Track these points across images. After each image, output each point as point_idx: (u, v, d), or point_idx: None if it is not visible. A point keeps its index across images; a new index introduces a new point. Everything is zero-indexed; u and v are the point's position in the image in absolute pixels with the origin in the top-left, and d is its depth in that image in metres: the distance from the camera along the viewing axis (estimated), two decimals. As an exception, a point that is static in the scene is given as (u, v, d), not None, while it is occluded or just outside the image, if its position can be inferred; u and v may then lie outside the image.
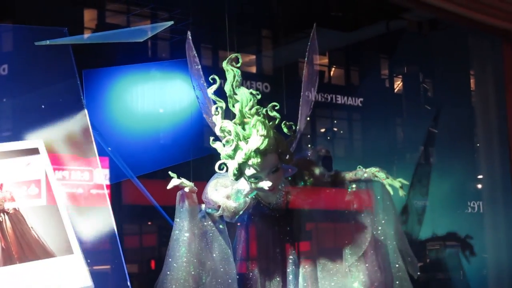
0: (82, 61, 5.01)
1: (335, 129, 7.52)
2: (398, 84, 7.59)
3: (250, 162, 4.50)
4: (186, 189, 4.58)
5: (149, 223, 5.88)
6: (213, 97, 4.67)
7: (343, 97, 7.01)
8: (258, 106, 4.55)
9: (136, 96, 5.65)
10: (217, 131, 4.60)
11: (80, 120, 4.86)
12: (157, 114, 5.73)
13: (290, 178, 4.85)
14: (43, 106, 4.77)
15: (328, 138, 7.32)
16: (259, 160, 4.46)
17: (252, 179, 4.56)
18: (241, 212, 4.81)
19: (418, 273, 4.99)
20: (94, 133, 4.87)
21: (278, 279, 4.95)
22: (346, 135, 7.48)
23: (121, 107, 5.53)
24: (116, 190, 5.11)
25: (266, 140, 4.45)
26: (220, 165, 4.64)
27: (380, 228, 4.93)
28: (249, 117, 4.54)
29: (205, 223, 4.82)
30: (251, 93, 4.57)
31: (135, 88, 5.64)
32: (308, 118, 4.90)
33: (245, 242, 5.07)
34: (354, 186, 5.01)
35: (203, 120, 4.92)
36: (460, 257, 6.92)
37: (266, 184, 4.55)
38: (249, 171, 4.53)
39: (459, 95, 7.46)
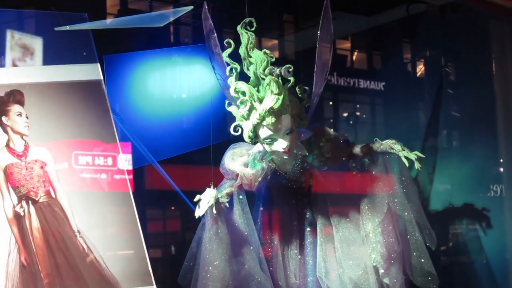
0: (103, 46, 5.04)
1: (358, 113, 7.49)
2: (420, 68, 7.57)
3: (264, 123, 4.47)
4: (214, 211, 4.57)
5: (172, 208, 5.86)
6: (227, 59, 4.64)
7: (365, 81, 6.94)
8: (272, 67, 4.52)
9: (157, 81, 5.62)
10: (232, 92, 4.57)
11: (100, 107, 4.93)
12: (178, 99, 5.73)
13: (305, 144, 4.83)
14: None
15: (351, 122, 7.32)
16: (273, 120, 4.43)
17: (267, 140, 4.53)
18: (259, 179, 4.77)
19: (436, 245, 4.93)
20: (115, 119, 4.93)
21: (296, 251, 4.96)
22: (369, 119, 7.47)
23: (142, 92, 5.53)
24: (138, 175, 5.10)
25: (280, 99, 4.41)
26: (235, 127, 4.61)
27: (396, 200, 4.88)
28: (263, 78, 4.51)
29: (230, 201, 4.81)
30: (264, 53, 4.56)
31: (156, 73, 5.62)
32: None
33: (264, 213, 5.07)
34: (367, 160, 5.00)
35: (224, 104, 4.82)
36: (481, 241, 6.86)
37: (280, 145, 4.52)
38: (264, 132, 4.50)
39: (480, 78, 7.42)
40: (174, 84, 5.66)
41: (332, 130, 4.93)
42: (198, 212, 4.52)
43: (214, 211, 4.48)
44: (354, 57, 7.49)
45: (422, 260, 4.84)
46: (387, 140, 4.88)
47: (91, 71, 4.96)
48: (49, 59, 4.96)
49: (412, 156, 4.75)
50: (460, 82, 7.35)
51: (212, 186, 4.56)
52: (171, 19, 5.01)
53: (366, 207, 4.91)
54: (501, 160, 7.30)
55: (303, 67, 5.24)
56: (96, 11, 5.32)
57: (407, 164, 4.79)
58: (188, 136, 5.56)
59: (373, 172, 4.97)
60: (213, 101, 5.26)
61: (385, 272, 4.77)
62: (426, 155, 5.78)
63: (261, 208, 5.01)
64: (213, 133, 5.09)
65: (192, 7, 4.83)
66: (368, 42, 7.48)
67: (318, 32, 4.79)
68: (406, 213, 4.85)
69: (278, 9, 6.37)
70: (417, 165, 4.73)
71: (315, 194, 4.95)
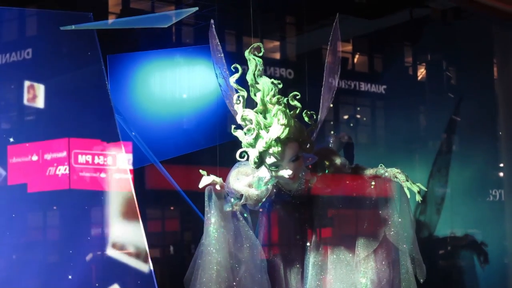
0: (107, 46, 5.05)
1: (358, 116, 7.54)
2: (421, 72, 7.63)
3: (270, 151, 4.45)
4: (218, 187, 4.59)
5: (171, 208, 5.89)
6: (235, 85, 4.62)
7: (366, 84, 7.03)
8: (280, 96, 4.47)
9: (160, 81, 5.64)
10: (239, 119, 4.54)
11: (104, 107, 4.97)
12: (181, 99, 5.73)
13: (310, 167, 4.80)
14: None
15: (351, 125, 7.37)
16: (279, 148, 4.42)
17: (273, 167, 4.51)
18: (263, 199, 4.75)
19: (425, 278, 4.91)
20: (118, 118, 4.98)
21: (298, 265, 4.96)
22: (369, 122, 7.52)
23: (145, 92, 5.54)
24: (140, 175, 5.16)
25: (287, 129, 4.40)
26: (241, 153, 4.58)
27: (393, 229, 4.86)
28: (271, 106, 4.48)
29: (234, 215, 4.82)
30: (272, 83, 4.52)
31: (159, 73, 5.63)
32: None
33: (267, 229, 5.06)
34: (373, 183, 4.93)
35: (227, 105, 4.84)
36: (480, 246, 6.88)
37: (286, 173, 4.50)
38: (270, 160, 4.49)
39: (482, 83, 7.44)
40: (176, 84, 5.68)
41: (332, 132, 4.95)
42: (202, 183, 4.58)
43: (218, 187, 4.55)
44: (355, 60, 7.56)
45: None
46: (392, 168, 4.86)
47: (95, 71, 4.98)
48: (53, 57, 5.00)
49: (415, 188, 4.74)
50: (461, 87, 7.36)
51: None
52: (175, 20, 5.04)
53: (363, 232, 4.92)
54: (501, 165, 7.31)
55: (304, 68, 5.25)
56: (99, 11, 5.40)
57: (409, 196, 4.79)
58: (191, 136, 5.59)
59: (374, 198, 4.97)
60: (216, 102, 5.21)
61: None
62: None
63: (264, 223, 5.06)
64: (214, 135, 5.22)
65: (197, 8, 4.88)
66: (370, 45, 7.52)
67: (326, 60, 4.84)
68: (400, 243, 4.88)
69: (282, 11, 6.36)
70: (418, 198, 4.74)
71: (317, 211, 4.96)
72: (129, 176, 4.88)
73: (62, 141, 4.86)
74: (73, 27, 4.92)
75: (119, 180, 4.87)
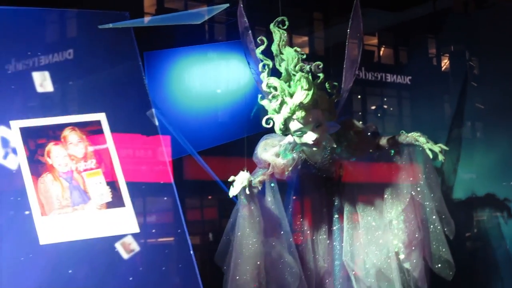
0: (144, 43, 5.20)
1: (385, 106, 7.61)
2: (445, 63, 7.66)
3: (294, 116, 4.60)
4: (247, 191, 4.67)
5: (209, 197, 5.99)
6: (260, 56, 4.80)
7: (392, 75, 7.09)
8: (303, 64, 4.68)
9: (194, 76, 5.75)
10: (264, 87, 4.71)
11: (142, 101, 5.14)
12: (215, 93, 5.84)
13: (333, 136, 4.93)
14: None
15: (379, 115, 7.45)
16: (303, 114, 4.57)
17: (297, 133, 4.66)
18: (290, 168, 4.89)
19: (454, 234, 5.01)
20: (156, 112, 5.11)
21: (324, 236, 5.08)
22: (396, 112, 7.60)
23: (181, 86, 5.67)
24: (178, 165, 5.26)
25: (310, 94, 4.55)
26: (267, 120, 4.75)
27: (419, 189, 4.97)
28: (294, 74, 4.65)
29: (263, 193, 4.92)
30: (295, 51, 4.72)
31: (194, 68, 5.74)
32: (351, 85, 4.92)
33: (295, 201, 5.17)
34: (396, 149, 5.06)
35: (257, 99, 4.93)
36: (502, 229, 6.89)
37: (310, 138, 4.64)
38: (294, 125, 4.64)
39: (505, 71, 7.42)
40: (210, 78, 5.77)
41: (360, 122, 5.04)
42: (232, 192, 4.64)
43: (247, 191, 4.58)
44: (381, 53, 7.63)
45: (441, 248, 4.96)
46: (412, 133, 4.96)
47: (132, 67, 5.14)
48: (93, 56, 5.12)
49: (436, 148, 4.82)
50: (485, 75, 7.38)
51: (245, 170, 4.69)
52: (207, 17, 5.19)
53: (390, 196, 5.02)
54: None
55: (332, 63, 5.34)
56: (135, 10, 5.54)
57: (431, 156, 4.87)
58: (224, 128, 5.70)
59: (398, 163, 5.05)
60: (247, 95, 5.42)
61: (406, 257, 4.89)
62: (451, 146, 5.82)
63: (293, 196, 5.12)
64: (247, 126, 5.26)
65: (228, 5, 5.01)
66: (394, 37, 7.58)
67: (348, 30, 4.95)
68: (428, 203, 4.97)
69: (309, 7, 6.44)
70: (440, 157, 4.83)
71: (343, 183, 5.07)
72: (169, 167, 5.01)
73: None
74: (111, 25, 5.08)
75: (159, 171, 5.03)
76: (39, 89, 5.13)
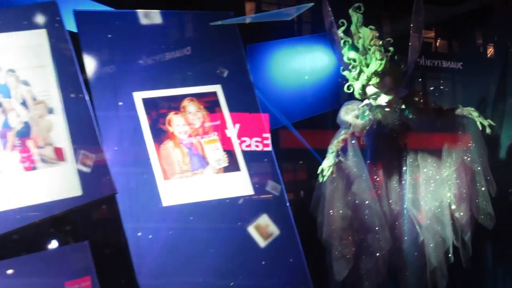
0: (246, 38, 5.57)
1: (441, 87, 7.73)
2: (490, 51, 7.54)
3: (370, 82, 5.28)
4: (334, 175, 5.25)
5: (300, 162, 6.18)
6: (342, 35, 5.41)
7: (446, 62, 7.20)
8: (377, 39, 5.31)
9: (287, 62, 6.00)
10: (345, 60, 5.37)
11: (246, 83, 5.48)
12: (304, 77, 6.06)
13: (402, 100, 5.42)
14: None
15: (436, 94, 7.58)
16: (377, 80, 5.24)
17: (373, 96, 5.29)
18: (367, 127, 5.45)
19: (495, 193, 5.44)
20: (257, 92, 5.51)
21: (396, 185, 5.56)
22: (450, 92, 7.68)
23: (276, 71, 5.95)
24: (275, 135, 5.55)
25: (383, 63, 5.22)
26: (348, 86, 5.43)
27: (469, 154, 5.46)
28: (369, 48, 5.28)
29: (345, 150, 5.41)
30: (370, 29, 5.34)
31: (287, 56, 6.01)
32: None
33: (371, 156, 5.64)
34: (453, 119, 5.51)
35: (338, 82, 5.65)
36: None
37: (383, 100, 5.29)
38: (370, 90, 5.30)
39: None
40: (300, 65, 6.04)
41: (424, 95, 5.53)
42: (321, 179, 5.26)
43: (334, 175, 5.24)
44: (437, 44, 7.75)
45: (485, 203, 5.45)
46: (468, 107, 5.54)
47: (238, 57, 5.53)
48: (206, 50, 5.48)
49: (485, 122, 5.40)
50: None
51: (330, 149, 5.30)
52: (296, 14, 5.42)
53: (446, 157, 5.52)
54: None
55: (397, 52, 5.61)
56: (238, 11, 5.82)
57: (480, 128, 5.40)
58: (312, 104, 6.04)
59: (454, 130, 5.53)
60: (331, 78, 5.92)
61: (456, 208, 5.44)
62: (496, 120, 5.89)
63: (370, 152, 5.61)
64: (329, 101, 5.94)
65: (312, 4, 5.37)
66: (448, 30, 7.65)
67: (411, 24, 5.41)
68: (476, 165, 5.46)
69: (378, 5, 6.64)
70: (488, 130, 5.37)
71: (409, 142, 5.53)
72: (269, 137, 5.33)
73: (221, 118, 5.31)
74: (219, 22, 5.42)
75: (261, 140, 5.32)
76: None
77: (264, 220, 5.15)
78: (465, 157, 5.45)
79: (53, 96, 4.78)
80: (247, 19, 5.70)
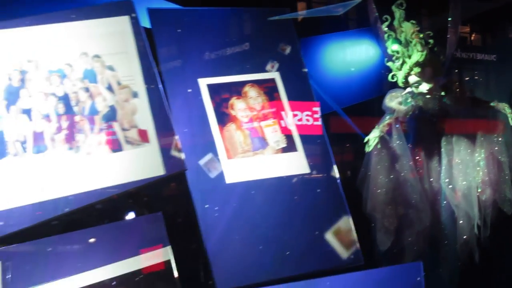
0: (300, 31, 5.72)
1: (476, 77, 7.85)
2: None
3: (412, 72, 5.56)
4: (379, 146, 5.52)
5: (347, 145, 6.37)
6: (385, 29, 5.71)
7: (481, 54, 7.35)
8: (418, 33, 5.55)
9: (337, 54, 6.20)
10: (389, 52, 5.65)
11: (301, 72, 5.62)
12: (350, 69, 6.21)
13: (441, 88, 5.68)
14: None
15: (471, 84, 7.68)
16: (419, 69, 5.53)
17: (415, 84, 5.58)
18: (410, 113, 5.69)
19: None
20: (311, 82, 5.64)
21: (436, 164, 5.78)
22: (484, 82, 7.81)
23: (328, 62, 6.14)
24: (326, 120, 5.67)
25: (423, 54, 5.49)
26: (392, 76, 5.72)
27: (498, 145, 5.71)
28: (411, 41, 5.54)
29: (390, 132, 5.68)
30: (411, 23, 5.60)
31: (336, 48, 6.21)
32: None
33: (414, 139, 5.83)
34: (487, 111, 5.72)
35: (383, 71, 5.88)
36: None
37: (424, 88, 5.57)
38: (412, 78, 5.59)
39: None
40: (348, 56, 6.21)
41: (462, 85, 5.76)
42: (367, 149, 5.63)
43: (379, 146, 5.55)
44: (472, 37, 8.10)
45: (507, 190, 5.71)
46: (502, 103, 5.77)
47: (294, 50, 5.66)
48: (263, 45, 5.65)
49: None
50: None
51: (377, 126, 5.59)
52: (344, 10, 5.48)
53: (479, 144, 5.74)
54: None
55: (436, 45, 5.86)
56: (293, 8, 6.21)
57: (511, 124, 5.67)
58: (359, 92, 6.19)
59: (487, 122, 5.79)
60: (375, 68, 6.14)
61: (482, 191, 5.70)
62: None
63: (411, 135, 5.85)
64: (374, 90, 6.13)
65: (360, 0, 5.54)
66: (482, 24, 7.92)
67: (449, 18, 5.72)
68: (503, 156, 5.72)
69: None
70: None
71: (447, 128, 5.75)
72: (321, 122, 5.49)
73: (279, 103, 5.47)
74: (277, 17, 5.58)
75: (314, 125, 5.47)
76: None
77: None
78: (495, 148, 5.70)
79: (137, 81, 4.96)
80: (301, 15, 5.97)
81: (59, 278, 4.45)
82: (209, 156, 5.17)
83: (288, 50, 5.65)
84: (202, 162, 5.10)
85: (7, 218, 4.45)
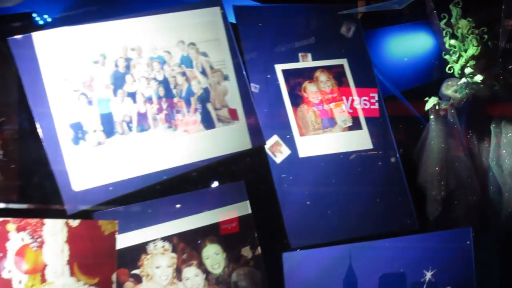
0: (364, 24, 5.96)
1: None
2: None
3: (468, 64, 5.68)
4: (436, 106, 5.74)
5: (400, 126, 6.21)
6: (443, 26, 5.82)
7: None
8: (473, 29, 5.68)
9: (397, 45, 6.31)
10: (446, 46, 5.81)
11: (365, 62, 5.82)
12: (406, 59, 6.33)
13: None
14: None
15: None
16: (474, 62, 5.64)
17: (470, 75, 5.72)
18: (464, 100, 5.86)
19: None
20: (375, 71, 5.87)
21: (486, 145, 5.86)
22: None
23: (388, 51, 6.27)
24: (386, 102, 5.86)
25: (478, 49, 5.60)
26: (449, 67, 5.87)
27: None
28: (467, 36, 5.70)
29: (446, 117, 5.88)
30: (468, 21, 5.72)
31: (397, 40, 6.32)
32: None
33: (466, 122, 5.97)
34: None
35: (437, 60, 6.08)
36: None
37: (478, 78, 5.70)
38: (468, 70, 5.72)
39: None
40: (406, 47, 6.31)
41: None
42: (427, 106, 5.81)
43: (437, 107, 5.75)
44: None
45: None
46: None
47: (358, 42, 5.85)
48: (329, 39, 5.80)
49: None
50: None
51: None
52: (404, 4, 5.73)
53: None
54: None
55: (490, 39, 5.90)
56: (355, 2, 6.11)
57: None
58: (416, 77, 6.31)
59: None
60: (431, 58, 6.28)
61: None
62: None
63: (464, 119, 6.01)
64: (431, 74, 6.28)
65: None
66: None
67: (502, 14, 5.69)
68: None
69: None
70: None
71: (497, 112, 5.89)
72: (382, 105, 5.72)
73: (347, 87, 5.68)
74: (345, 11, 5.76)
75: (377, 108, 5.70)
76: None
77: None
78: None
79: (228, 65, 5.29)
80: (365, 9, 5.99)
81: (162, 223, 4.99)
82: (274, 138, 5.45)
83: (354, 40, 5.85)
84: (267, 146, 5.41)
85: (116, 187, 4.87)
